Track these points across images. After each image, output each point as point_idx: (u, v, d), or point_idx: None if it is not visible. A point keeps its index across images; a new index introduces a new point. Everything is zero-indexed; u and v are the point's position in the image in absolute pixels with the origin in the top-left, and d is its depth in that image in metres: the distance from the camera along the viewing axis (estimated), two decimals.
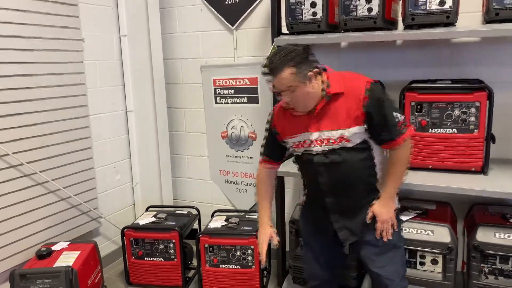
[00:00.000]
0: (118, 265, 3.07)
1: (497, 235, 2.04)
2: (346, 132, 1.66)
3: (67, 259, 2.33)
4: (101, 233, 3.07)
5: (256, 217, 2.84)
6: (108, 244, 3.13)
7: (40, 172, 2.54)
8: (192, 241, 2.77)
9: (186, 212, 3.04)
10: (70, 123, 2.71)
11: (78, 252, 2.41)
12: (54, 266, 2.27)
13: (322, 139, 1.70)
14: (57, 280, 2.21)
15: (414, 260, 2.19)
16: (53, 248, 2.45)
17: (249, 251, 2.62)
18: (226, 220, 2.81)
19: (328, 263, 1.94)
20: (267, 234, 1.87)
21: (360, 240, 1.81)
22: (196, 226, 3.06)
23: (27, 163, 2.46)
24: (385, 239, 1.75)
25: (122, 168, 3.21)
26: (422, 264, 2.18)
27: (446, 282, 2.12)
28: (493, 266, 2.07)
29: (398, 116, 1.67)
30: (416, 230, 2.15)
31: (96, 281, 2.51)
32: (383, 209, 1.73)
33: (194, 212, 3.08)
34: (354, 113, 1.63)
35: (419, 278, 2.16)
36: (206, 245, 2.66)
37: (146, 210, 3.12)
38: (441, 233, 2.11)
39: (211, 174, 3.28)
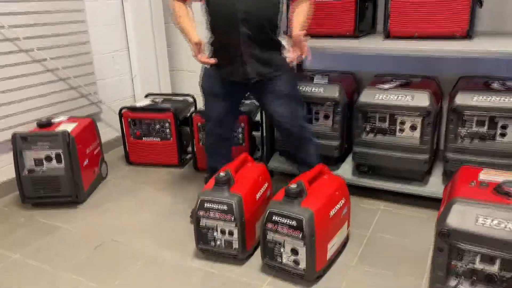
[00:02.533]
0: (118, 151, 3.22)
1: (476, 98, 2.06)
2: None
3: (66, 128, 2.46)
4: (102, 119, 3.20)
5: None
6: (109, 130, 3.27)
7: (37, 49, 2.61)
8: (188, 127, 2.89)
9: (182, 99, 3.13)
10: (63, 4, 2.74)
11: (76, 123, 2.53)
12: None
13: None
14: (55, 142, 2.36)
15: (394, 127, 2.25)
16: (53, 120, 2.57)
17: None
18: None
19: (228, 121, 2.14)
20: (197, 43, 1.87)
21: (266, 91, 2.01)
22: None
23: (24, 38, 2.53)
24: (289, 60, 1.92)
25: (120, 59, 3.27)
26: (401, 131, 2.24)
27: (423, 146, 2.19)
28: (469, 130, 2.11)
29: None
30: (397, 97, 2.19)
31: (95, 153, 2.67)
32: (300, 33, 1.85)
33: (190, 100, 3.17)
34: None
35: (397, 144, 2.23)
36: (198, 124, 2.77)
37: (145, 97, 3.22)
38: (420, 98, 2.14)
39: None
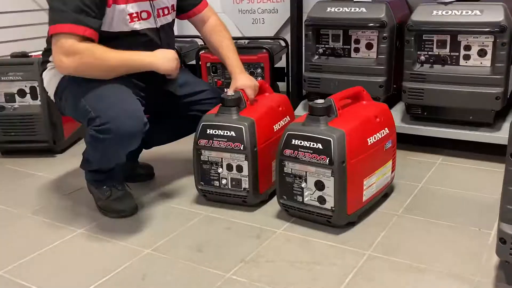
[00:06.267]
0: None
1: None
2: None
3: None
4: None
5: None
6: None
7: None
8: None
9: (189, 40, 3.12)
10: None
11: None
12: None
13: (160, 8, 1.82)
14: (30, 73, 2.35)
15: (457, 53, 2.12)
16: (30, 54, 2.56)
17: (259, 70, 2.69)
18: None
19: None
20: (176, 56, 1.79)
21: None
22: None
23: None
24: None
25: None
26: (467, 58, 2.11)
27: (495, 76, 2.05)
28: None
29: None
30: (460, 12, 2.06)
31: None
32: (249, 81, 1.91)
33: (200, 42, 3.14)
34: None
35: (461, 75, 2.10)
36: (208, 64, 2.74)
37: None
38: (492, 11, 2.01)
39: (221, 5, 3.28)
